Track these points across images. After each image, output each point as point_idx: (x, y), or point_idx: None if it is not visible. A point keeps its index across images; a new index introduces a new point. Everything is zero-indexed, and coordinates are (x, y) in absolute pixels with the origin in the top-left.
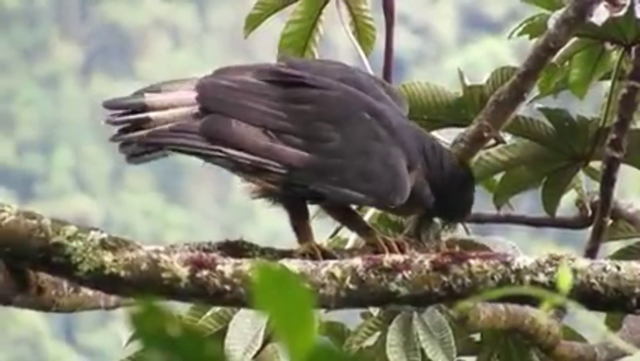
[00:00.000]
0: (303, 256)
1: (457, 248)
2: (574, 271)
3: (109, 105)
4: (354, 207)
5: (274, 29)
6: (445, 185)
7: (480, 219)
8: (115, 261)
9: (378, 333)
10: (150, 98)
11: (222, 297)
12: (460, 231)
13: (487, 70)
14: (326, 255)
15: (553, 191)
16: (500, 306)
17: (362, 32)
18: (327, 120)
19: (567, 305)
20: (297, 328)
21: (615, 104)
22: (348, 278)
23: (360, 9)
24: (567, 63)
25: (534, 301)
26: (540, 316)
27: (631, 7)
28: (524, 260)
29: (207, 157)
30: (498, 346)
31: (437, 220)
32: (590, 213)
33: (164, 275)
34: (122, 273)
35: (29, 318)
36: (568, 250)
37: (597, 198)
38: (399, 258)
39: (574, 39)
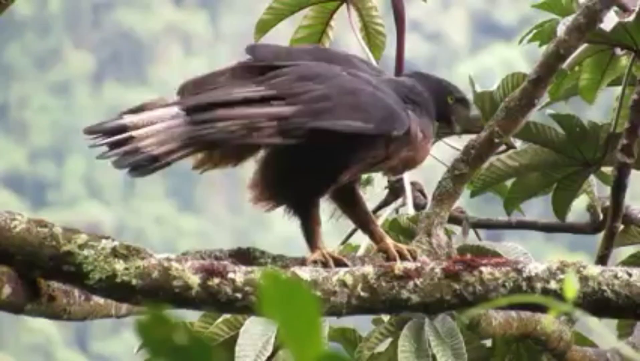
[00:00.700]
0: (315, 263)
1: (469, 255)
2: (586, 279)
3: (90, 131)
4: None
5: (285, 35)
6: (425, 96)
7: (491, 225)
8: (126, 269)
9: (390, 340)
10: (129, 118)
11: (233, 305)
12: (472, 237)
13: (499, 76)
14: (338, 262)
15: (564, 197)
16: (512, 313)
17: (372, 38)
18: (307, 78)
19: (577, 313)
20: (305, 336)
21: (625, 110)
22: (359, 286)
23: (370, 15)
24: (577, 69)
25: (546, 308)
26: (552, 322)
27: None
28: (535, 267)
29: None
30: (510, 352)
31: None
32: (601, 218)
33: (175, 283)
34: (134, 281)
35: (42, 326)
36: (580, 255)
37: (608, 203)
38: (410, 265)
39: (584, 45)
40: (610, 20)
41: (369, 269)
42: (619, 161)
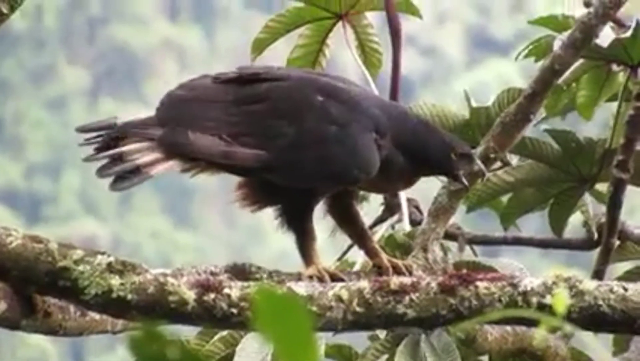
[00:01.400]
0: (310, 278)
1: (465, 270)
2: (581, 293)
3: (82, 129)
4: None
5: (281, 54)
6: (420, 147)
7: (487, 241)
8: (122, 284)
9: (386, 356)
10: (122, 119)
11: (229, 320)
12: (467, 253)
13: (495, 91)
14: (334, 278)
15: (560, 212)
16: (508, 328)
17: (368, 56)
18: (279, 116)
19: (572, 327)
20: (299, 352)
21: (621, 126)
22: (355, 301)
23: (366, 33)
24: (573, 85)
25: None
26: (545, 336)
27: (637, 29)
28: (531, 282)
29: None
30: None
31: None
32: (597, 234)
33: (171, 298)
34: (129, 297)
35: (38, 341)
36: (576, 271)
37: (603, 219)
38: (406, 280)
39: (580, 61)
40: (606, 36)
41: (364, 284)
42: (614, 176)
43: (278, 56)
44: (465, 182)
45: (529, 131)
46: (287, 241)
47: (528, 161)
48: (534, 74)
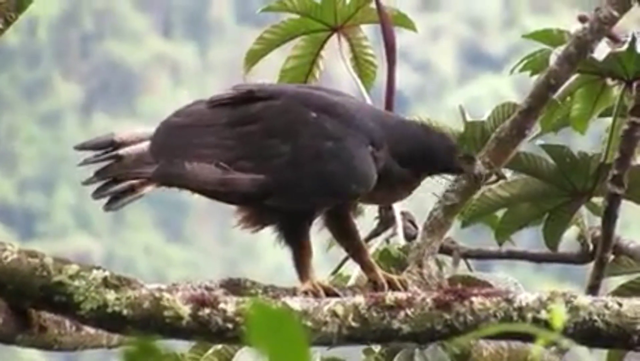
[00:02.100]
0: (306, 294)
1: (460, 285)
2: (576, 308)
3: (81, 147)
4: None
5: (275, 65)
6: (423, 149)
7: (482, 255)
8: (117, 299)
9: None
10: (119, 135)
11: (224, 335)
12: (463, 267)
13: (488, 106)
14: (329, 293)
15: (555, 227)
16: (503, 343)
17: (362, 68)
18: (274, 135)
19: (567, 342)
20: None
21: (616, 140)
22: (350, 316)
23: (361, 45)
24: (568, 99)
25: (536, 338)
26: (542, 353)
27: (632, 43)
28: (526, 297)
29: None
30: None
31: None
32: (591, 248)
33: (166, 313)
34: (125, 312)
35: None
36: (570, 286)
37: (598, 233)
38: (401, 295)
39: (575, 75)
40: (601, 51)
41: (360, 300)
42: (609, 191)
43: (272, 68)
44: (475, 172)
45: (523, 146)
46: (280, 256)
47: (523, 175)
48: (529, 89)
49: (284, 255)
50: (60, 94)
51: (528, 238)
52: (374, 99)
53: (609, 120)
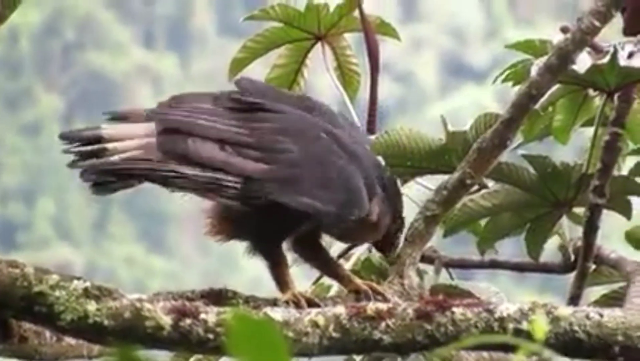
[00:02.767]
0: (287, 304)
1: (441, 296)
2: (557, 319)
3: (66, 136)
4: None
5: (259, 74)
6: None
7: (464, 265)
8: (98, 310)
9: None
10: (107, 130)
11: (205, 345)
12: (444, 277)
13: (469, 117)
14: (310, 303)
15: (536, 237)
16: (484, 354)
17: (347, 78)
18: (285, 134)
19: (548, 354)
20: None
21: (598, 150)
22: (331, 326)
23: (345, 55)
24: (550, 109)
25: (517, 349)
26: None
27: (614, 54)
28: (507, 308)
29: (164, 181)
30: None
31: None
32: (573, 258)
33: (147, 324)
34: (106, 322)
35: None
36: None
37: (580, 243)
38: (382, 306)
39: (557, 86)
40: (582, 61)
41: (341, 310)
42: (591, 201)
43: (256, 76)
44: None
45: (505, 156)
46: (261, 267)
47: (504, 185)
48: (510, 100)
49: (263, 266)
50: (42, 104)
51: (510, 248)
52: (356, 110)
53: (590, 130)
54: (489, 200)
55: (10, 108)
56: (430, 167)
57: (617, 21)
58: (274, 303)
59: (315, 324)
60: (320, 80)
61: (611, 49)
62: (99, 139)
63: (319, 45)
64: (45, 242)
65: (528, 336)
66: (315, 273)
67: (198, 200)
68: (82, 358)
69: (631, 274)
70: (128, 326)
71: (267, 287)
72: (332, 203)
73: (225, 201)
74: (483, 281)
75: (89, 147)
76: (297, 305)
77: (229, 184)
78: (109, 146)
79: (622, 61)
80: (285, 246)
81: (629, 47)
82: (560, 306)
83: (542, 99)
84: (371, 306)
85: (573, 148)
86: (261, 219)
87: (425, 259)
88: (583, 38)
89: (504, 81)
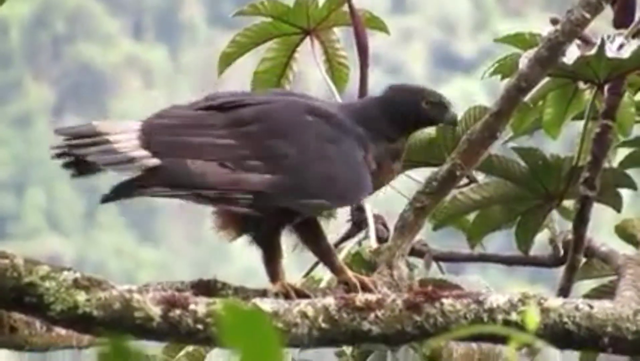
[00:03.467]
0: (276, 295)
1: (430, 287)
2: (547, 310)
3: (60, 132)
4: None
5: (248, 68)
6: (392, 114)
7: (454, 258)
8: (88, 300)
9: None
10: (99, 125)
11: (194, 336)
12: (434, 270)
13: (459, 109)
14: (300, 294)
15: (526, 230)
16: (473, 345)
17: (335, 71)
18: (276, 136)
19: (538, 344)
20: None
21: (588, 143)
22: (321, 317)
23: (334, 48)
24: (540, 102)
25: (506, 340)
26: (512, 354)
27: (602, 46)
28: (496, 299)
29: (176, 197)
30: None
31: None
32: (563, 251)
33: (136, 314)
34: (95, 313)
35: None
36: (541, 289)
37: (570, 236)
38: (371, 297)
39: (546, 79)
40: (572, 54)
41: (330, 301)
42: (581, 194)
43: (244, 71)
44: (448, 117)
45: (495, 149)
46: (251, 258)
47: (495, 178)
48: (500, 92)
49: (255, 257)
50: (31, 95)
51: (500, 241)
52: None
53: (581, 123)
54: (479, 193)
55: None
56: (420, 160)
57: (607, 13)
58: (263, 293)
59: (304, 315)
60: (310, 74)
61: (599, 41)
62: (94, 133)
63: (308, 39)
64: (35, 233)
65: (517, 326)
66: (307, 265)
67: None
68: (72, 349)
69: (622, 267)
70: (117, 316)
71: (259, 277)
72: (341, 198)
73: (237, 210)
74: (473, 274)
75: (89, 140)
76: (287, 296)
77: (239, 196)
78: (111, 138)
79: (611, 53)
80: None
81: (618, 39)
82: (550, 298)
83: (532, 93)
84: (360, 298)
85: (563, 141)
86: (270, 218)
87: (415, 252)
88: (573, 30)
89: (493, 74)
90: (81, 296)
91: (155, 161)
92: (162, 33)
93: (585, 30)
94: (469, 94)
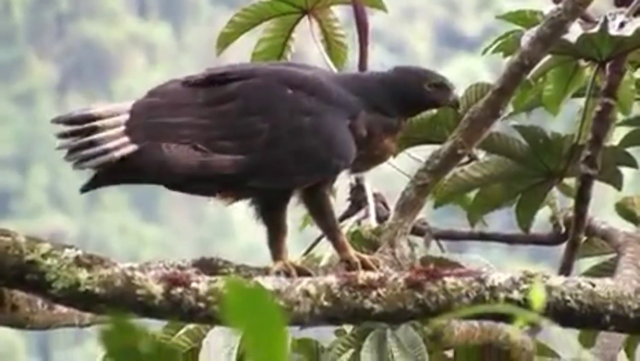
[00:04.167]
0: (278, 273)
1: (432, 266)
2: (549, 288)
3: (58, 120)
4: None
5: (246, 48)
6: (393, 93)
7: (454, 237)
8: (90, 278)
9: (352, 350)
10: (95, 110)
11: (196, 314)
12: (435, 249)
13: (462, 87)
14: (301, 273)
15: (527, 208)
16: (475, 323)
17: (334, 50)
18: (252, 113)
19: (541, 322)
20: (268, 345)
21: (589, 121)
22: (322, 296)
23: (332, 27)
24: (541, 80)
25: (508, 318)
26: (514, 332)
27: (605, 24)
28: (498, 277)
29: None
30: None
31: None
32: (564, 229)
33: (138, 292)
34: (97, 290)
35: (5, 335)
36: (542, 267)
37: (571, 214)
38: (373, 275)
39: (548, 56)
40: (574, 32)
41: (332, 279)
42: (582, 172)
43: (244, 50)
44: (450, 99)
45: (496, 127)
46: (254, 236)
47: (495, 156)
48: (502, 70)
49: (257, 235)
50: (35, 73)
51: (501, 220)
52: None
53: (581, 101)
54: (479, 171)
55: (3, 78)
56: (422, 138)
57: None
58: (265, 272)
59: (306, 293)
60: (308, 53)
61: (602, 19)
62: (89, 119)
63: (305, 18)
64: (38, 211)
65: (519, 305)
66: (308, 243)
67: None
68: (74, 326)
69: (622, 245)
70: (119, 294)
71: (261, 256)
72: (315, 171)
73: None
74: (474, 253)
75: (80, 127)
76: (288, 275)
77: (209, 179)
78: (98, 123)
79: (613, 31)
80: (295, 200)
81: (620, 17)
82: (552, 276)
83: (533, 70)
84: (362, 276)
85: (564, 119)
86: (257, 196)
87: (415, 231)
88: (575, 8)
89: (495, 51)
90: (83, 274)
91: (130, 149)
92: (166, 11)
93: (587, 8)
94: (472, 72)
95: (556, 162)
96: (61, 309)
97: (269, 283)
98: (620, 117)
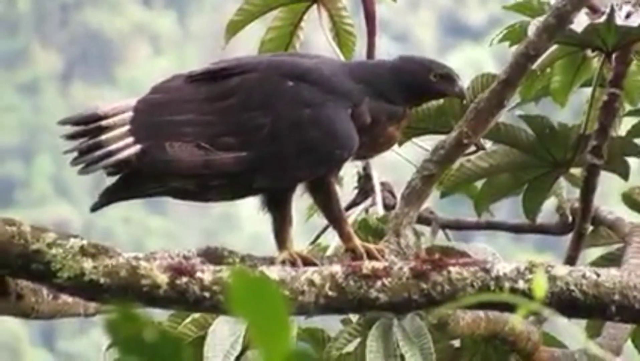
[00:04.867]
0: (283, 263)
1: (437, 255)
2: (554, 278)
3: (65, 122)
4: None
5: (254, 36)
6: (399, 81)
7: (460, 226)
8: (95, 268)
9: (358, 340)
10: (102, 108)
11: (201, 304)
12: (441, 238)
13: (467, 77)
14: (306, 262)
15: (534, 198)
16: (480, 313)
17: (342, 38)
18: (253, 108)
19: (545, 312)
20: (273, 334)
21: (596, 111)
22: (327, 285)
23: (340, 16)
24: (548, 70)
25: (514, 308)
26: (520, 322)
27: (611, 14)
28: (503, 267)
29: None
30: (477, 352)
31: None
32: (570, 219)
33: (143, 282)
34: (102, 280)
35: (9, 325)
36: (548, 257)
37: (577, 204)
38: (378, 265)
39: (554, 46)
40: (580, 22)
41: (337, 269)
42: (588, 162)
43: (252, 39)
44: (456, 90)
45: (503, 117)
46: (259, 226)
47: (502, 146)
48: (508, 60)
49: (262, 225)
50: (40, 63)
51: (507, 209)
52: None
53: (588, 91)
54: (486, 161)
55: (7, 67)
56: (428, 128)
57: None
58: (270, 262)
59: (311, 283)
60: (316, 41)
61: (608, 9)
62: (95, 118)
63: (314, 7)
64: (43, 200)
65: (524, 295)
66: (314, 233)
67: None
68: (79, 316)
69: (628, 235)
70: (124, 284)
71: (266, 246)
72: (318, 163)
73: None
74: (481, 242)
75: (86, 127)
76: (293, 264)
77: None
78: (104, 123)
79: (620, 21)
80: (300, 190)
81: (626, 8)
82: (556, 266)
83: (540, 60)
84: (367, 265)
85: (571, 109)
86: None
87: (422, 220)
88: None
89: (501, 41)
90: (88, 264)
91: (135, 150)
92: (171, 0)
93: None
94: (477, 62)
95: (563, 152)
96: (66, 298)
97: (274, 272)
98: (627, 107)
